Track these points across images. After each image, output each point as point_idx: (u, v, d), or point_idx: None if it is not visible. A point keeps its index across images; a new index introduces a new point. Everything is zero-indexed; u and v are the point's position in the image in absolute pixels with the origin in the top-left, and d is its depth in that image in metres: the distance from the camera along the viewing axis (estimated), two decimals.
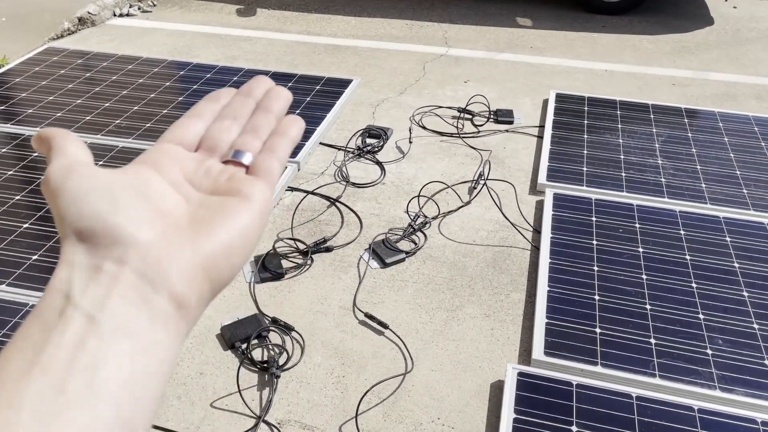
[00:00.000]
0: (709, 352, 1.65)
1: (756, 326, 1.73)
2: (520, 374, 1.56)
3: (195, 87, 2.95)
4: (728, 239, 2.04)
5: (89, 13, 3.74)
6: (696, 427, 1.44)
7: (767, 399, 1.52)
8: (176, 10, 4.07)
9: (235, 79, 3.03)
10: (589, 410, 1.48)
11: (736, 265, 1.94)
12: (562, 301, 1.79)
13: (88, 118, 2.69)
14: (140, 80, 3.02)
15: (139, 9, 4.01)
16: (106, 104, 2.80)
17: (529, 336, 1.74)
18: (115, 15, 3.91)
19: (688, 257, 1.97)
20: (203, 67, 3.14)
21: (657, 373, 1.58)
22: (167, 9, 4.08)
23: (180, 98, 2.86)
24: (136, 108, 2.78)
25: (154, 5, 4.10)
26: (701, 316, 1.75)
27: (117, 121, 2.67)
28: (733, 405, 1.51)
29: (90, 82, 2.99)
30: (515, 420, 1.45)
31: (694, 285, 1.86)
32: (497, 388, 1.60)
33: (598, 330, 1.70)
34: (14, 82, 2.98)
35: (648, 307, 1.78)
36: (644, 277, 1.89)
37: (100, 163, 2.39)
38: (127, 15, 3.94)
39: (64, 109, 2.76)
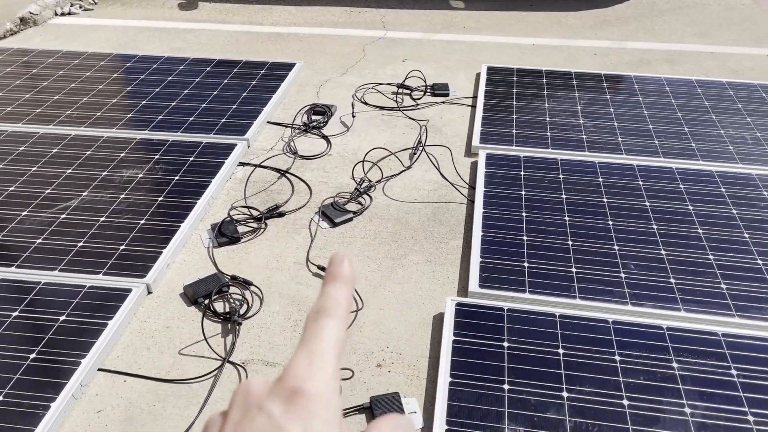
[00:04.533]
0: (623, 275, 1.87)
1: (663, 252, 1.96)
2: (458, 304, 1.75)
3: (142, 77, 3.05)
4: (640, 183, 2.28)
5: (30, 12, 3.77)
6: (610, 335, 1.66)
7: (671, 309, 1.75)
8: (118, 7, 4.12)
9: (181, 68, 3.13)
10: (518, 328, 1.67)
11: (647, 203, 2.18)
12: (495, 243, 1.99)
13: (38, 110, 2.76)
14: (87, 74, 3.09)
15: (80, 8, 4.05)
16: (55, 97, 2.87)
17: (466, 275, 1.93)
18: (56, 14, 3.95)
19: (605, 200, 2.19)
20: (149, 58, 3.24)
21: (577, 295, 1.80)
22: (108, 6, 4.13)
23: (128, 88, 2.95)
24: (85, 99, 2.86)
25: (95, 3, 4.14)
26: (616, 247, 1.98)
27: (68, 112, 2.75)
28: (641, 316, 1.74)
29: (37, 78, 3.05)
30: (454, 341, 1.64)
31: (610, 222, 2.08)
32: (439, 320, 1.78)
33: (526, 264, 1.91)
34: None
35: (570, 242, 1.99)
36: (567, 218, 2.10)
37: (54, 150, 2.48)
38: (69, 14, 3.98)
39: (13, 104, 2.82)
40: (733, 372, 1.56)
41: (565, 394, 1.51)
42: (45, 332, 1.68)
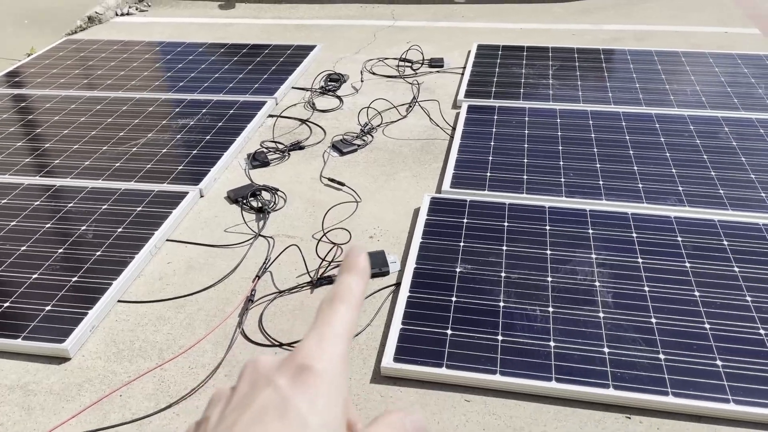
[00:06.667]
0: (563, 180, 2.41)
1: (598, 166, 2.49)
2: (432, 198, 2.31)
3: (190, 57, 3.70)
4: (590, 122, 2.82)
5: (96, 12, 4.49)
6: (545, 214, 2.20)
7: (595, 199, 2.28)
8: (168, 8, 4.83)
9: (222, 50, 3.78)
10: (476, 212, 2.22)
11: (593, 135, 2.71)
12: (467, 161, 2.54)
13: (109, 82, 3.43)
14: (146, 56, 3.77)
15: (136, 9, 4.76)
16: (122, 72, 3.54)
17: (442, 185, 2.49)
18: (117, 15, 4.66)
19: (559, 133, 2.73)
20: (195, 44, 3.90)
21: (524, 192, 2.34)
22: (160, 8, 4.84)
23: (179, 65, 3.60)
24: (146, 73, 3.52)
25: (149, 6, 4.86)
26: (561, 163, 2.51)
27: (133, 82, 3.41)
28: (571, 204, 2.27)
29: (106, 59, 3.73)
30: (426, 219, 2.20)
31: (560, 148, 2.62)
32: (418, 211, 2.34)
33: (488, 174, 2.46)
34: (45, 63, 3.72)
35: (525, 161, 2.54)
36: (526, 146, 2.65)
37: (123, 108, 3.13)
38: (127, 14, 4.70)
39: (90, 76, 3.49)
40: (634, 235, 2.09)
41: (504, 247, 2.05)
42: (127, 216, 2.29)
